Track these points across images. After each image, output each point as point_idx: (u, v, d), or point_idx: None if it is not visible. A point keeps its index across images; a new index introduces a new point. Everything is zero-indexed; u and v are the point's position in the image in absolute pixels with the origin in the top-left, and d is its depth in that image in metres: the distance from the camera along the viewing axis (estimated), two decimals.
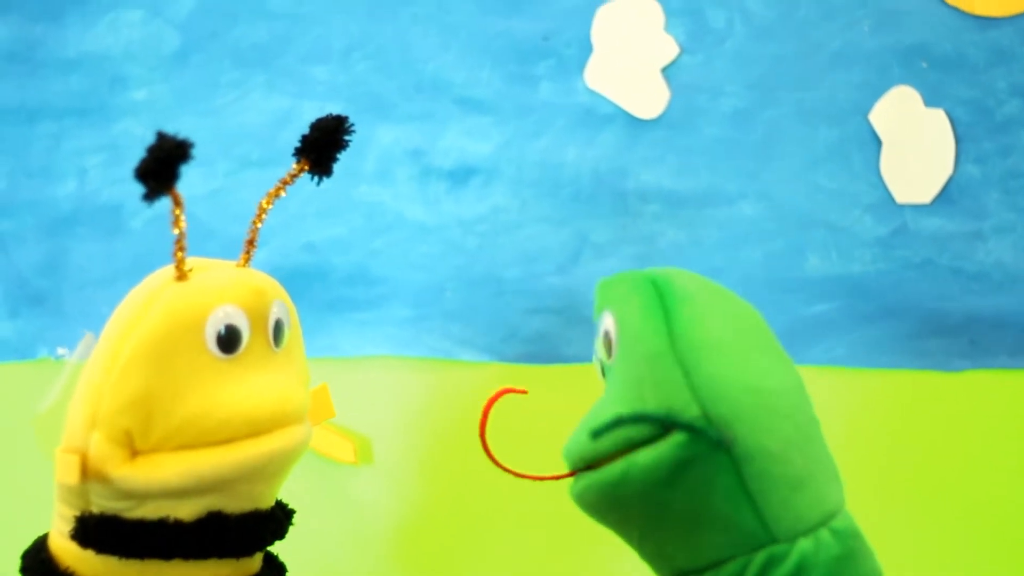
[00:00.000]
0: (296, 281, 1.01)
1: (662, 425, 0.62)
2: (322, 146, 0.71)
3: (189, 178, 1.01)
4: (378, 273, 1.01)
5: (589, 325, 0.99)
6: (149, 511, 0.65)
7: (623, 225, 0.99)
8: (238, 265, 0.71)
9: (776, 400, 0.63)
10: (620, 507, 0.65)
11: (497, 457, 0.71)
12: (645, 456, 0.62)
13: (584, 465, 0.66)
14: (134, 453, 0.64)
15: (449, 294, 1.01)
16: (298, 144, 0.71)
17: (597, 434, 0.64)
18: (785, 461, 0.62)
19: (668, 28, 0.99)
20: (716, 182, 0.98)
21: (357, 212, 1.01)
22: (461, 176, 1.00)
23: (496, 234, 1.00)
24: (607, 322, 0.68)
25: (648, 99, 0.98)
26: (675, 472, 0.62)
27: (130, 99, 1.03)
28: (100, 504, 0.65)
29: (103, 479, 0.63)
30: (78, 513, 0.65)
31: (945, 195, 0.97)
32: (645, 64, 0.98)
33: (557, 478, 0.69)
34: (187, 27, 1.03)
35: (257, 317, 0.67)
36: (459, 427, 1.01)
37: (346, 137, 0.71)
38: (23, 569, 0.68)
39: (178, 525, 0.66)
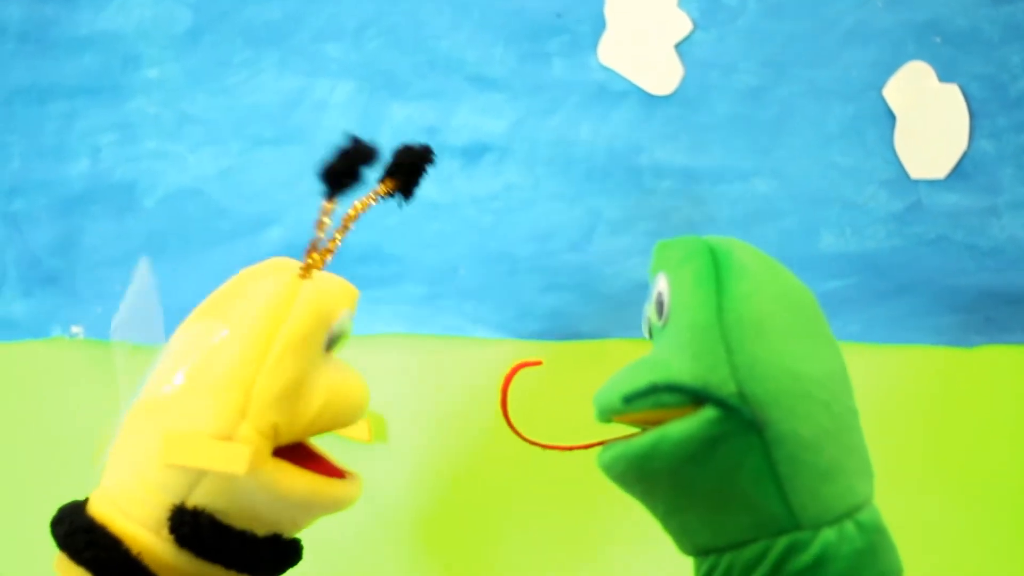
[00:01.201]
0: None
1: (695, 398, 0.62)
2: (410, 171, 0.72)
3: (201, 157, 1.02)
4: (391, 251, 1.01)
5: (604, 301, 1.00)
6: (240, 519, 0.66)
7: (637, 202, 0.99)
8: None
9: (815, 387, 0.63)
10: (647, 479, 0.65)
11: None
12: (675, 430, 0.62)
13: (610, 418, 0.66)
14: (275, 449, 0.65)
15: (463, 272, 1.01)
16: (389, 166, 0.72)
17: (630, 400, 0.64)
18: (816, 450, 0.62)
19: (681, 4, 0.98)
20: (730, 159, 0.98)
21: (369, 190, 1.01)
22: (474, 154, 1.00)
23: (510, 211, 1.00)
24: (661, 284, 0.68)
25: (662, 76, 0.98)
26: (704, 449, 0.62)
27: (143, 78, 1.03)
28: (203, 499, 0.64)
29: (252, 472, 0.63)
30: (177, 502, 0.64)
31: (959, 171, 0.96)
32: (659, 40, 0.98)
33: (587, 447, 0.69)
34: (199, 6, 1.03)
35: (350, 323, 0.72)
36: (473, 404, 1.01)
37: (430, 165, 0.73)
38: (73, 540, 0.65)
39: (254, 540, 0.66)
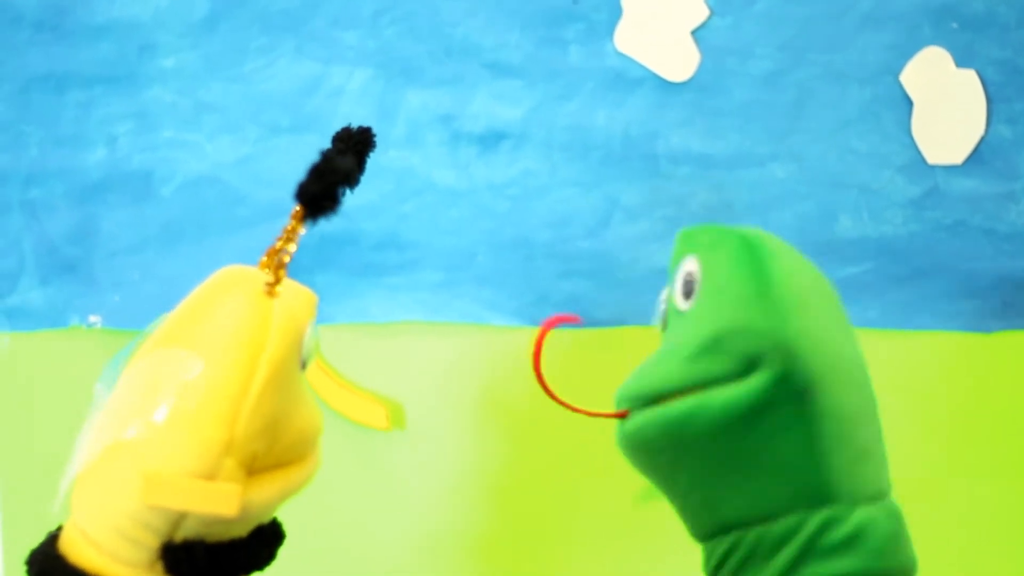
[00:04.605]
0: (326, 247, 1.02)
1: (747, 365, 0.62)
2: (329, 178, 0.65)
3: (218, 144, 1.03)
4: (408, 238, 1.01)
5: (621, 288, 1.00)
6: (226, 531, 0.64)
7: (654, 188, 0.99)
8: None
9: (853, 368, 0.64)
10: (678, 447, 0.64)
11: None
12: (720, 395, 0.62)
13: (642, 404, 0.65)
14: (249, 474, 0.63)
15: (479, 258, 1.01)
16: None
17: (696, 358, 0.64)
18: (855, 427, 0.62)
19: None
20: (747, 144, 0.98)
21: (387, 177, 1.01)
22: (491, 140, 1.00)
23: (526, 198, 1.00)
24: (690, 266, 0.67)
25: (678, 62, 0.98)
26: (749, 417, 0.61)
27: (159, 66, 1.03)
28: (192, 530, 0.63)
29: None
30: (164, 541, 0.62)
31: (977, 156, 0.96)
32: (675, 27, 0.98)
33: (615, 416, 0.68)
34: None
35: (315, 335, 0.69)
36: (490, 391, 1.01)
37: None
38: None
39: (243, 543, 0.65)
